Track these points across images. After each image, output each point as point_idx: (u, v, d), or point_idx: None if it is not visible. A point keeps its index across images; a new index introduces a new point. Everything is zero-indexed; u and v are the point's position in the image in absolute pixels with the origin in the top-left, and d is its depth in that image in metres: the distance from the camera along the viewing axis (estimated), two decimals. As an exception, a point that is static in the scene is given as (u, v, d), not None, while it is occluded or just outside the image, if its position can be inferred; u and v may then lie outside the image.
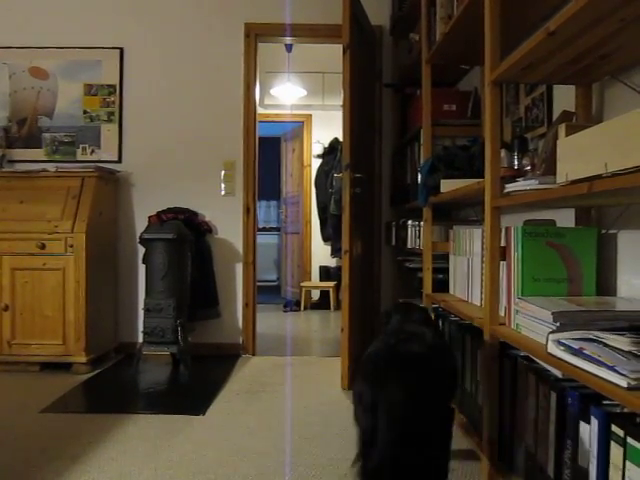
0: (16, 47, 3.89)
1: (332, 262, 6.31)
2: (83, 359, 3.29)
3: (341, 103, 3.11)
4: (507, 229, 1.74)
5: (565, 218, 1.88)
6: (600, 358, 1.13)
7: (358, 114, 3.24)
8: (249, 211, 3.90)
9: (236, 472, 1.97)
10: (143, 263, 3.51)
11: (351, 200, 3.04)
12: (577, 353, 1.21)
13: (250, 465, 2.03)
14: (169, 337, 3.28)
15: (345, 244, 3.05)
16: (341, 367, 3.03)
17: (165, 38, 3.91)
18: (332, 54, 4.14)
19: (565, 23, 1.28)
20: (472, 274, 2.25)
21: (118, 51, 3.89)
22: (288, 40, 4.17)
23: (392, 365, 1.34)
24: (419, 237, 2.92)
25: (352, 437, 2.28)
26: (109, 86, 3.91)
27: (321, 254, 6.42)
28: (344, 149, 3.07)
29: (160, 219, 3.63)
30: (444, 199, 2.42)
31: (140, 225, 3.81)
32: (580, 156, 1.25)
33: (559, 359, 1.28)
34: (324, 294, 6.16)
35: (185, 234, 3.46)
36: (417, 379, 1.32)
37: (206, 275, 3.80)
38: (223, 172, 3.91)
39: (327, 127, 6.31)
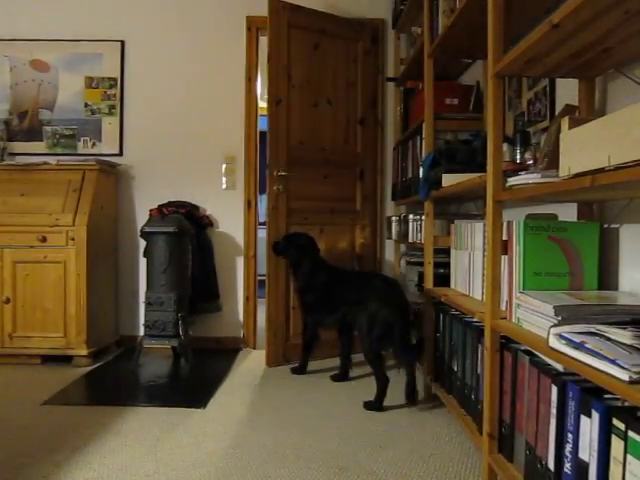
0: (17, 40, 3.88)
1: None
2: (84, 352, 3.29)
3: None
4: (509, 223, 1.73)
5: (567, 212, 1.88)
6: (602, 352, 1.13)
7: (314, 112, 3.59)
8: (250, 205, 3.89)
9: (236, 465, 1.98)
10: (144, 256, 3.51)
11: (274, 197, 3.44)
12: (579, 347, 1.21)
13: (250, 458, 2.04)
14: (170, 330, 3.28)
15: (270, 237, 3.39)
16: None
17: (166, 31, 3.89)
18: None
19: (569, 15, 1.27)
20: (473, 268, 2.25)
21: (119, 44, 3.88)
22: (290, 33, 4.16)
23: (391, 291, 2.76)
24: (420, 231, 2.92)
25: (352, 430, 2.30)
26: (110, 79, 3.90)
27: (322, 248, 6.41)
28: (268, 149, 3.42)
29: (161, 212, 3.62)
30: (445, 193, 2.42)
31: (141, 218, 3.81)
32: (583, 149, 1.24)
33: (560, 353, 1.28)
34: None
35: (186, 227, 3.46)
36: (403, 298, 2.75)
37: (207, 269, 3.80)
38: (224, 166, 3.91)
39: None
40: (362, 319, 2.69)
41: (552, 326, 1.33)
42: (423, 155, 2.78)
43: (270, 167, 3.41)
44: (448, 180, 2.32)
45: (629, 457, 1.08)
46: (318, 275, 3.06)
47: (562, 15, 1.28)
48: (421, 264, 2.97)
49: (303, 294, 3.13)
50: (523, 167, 1.82)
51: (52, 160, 3.57)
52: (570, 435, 1.30)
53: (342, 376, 3.10)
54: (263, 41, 3.96)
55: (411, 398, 2.64)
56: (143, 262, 3.60)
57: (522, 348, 1.64)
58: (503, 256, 1.77)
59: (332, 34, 3.65)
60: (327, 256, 3.49)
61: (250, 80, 3.87)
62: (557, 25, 1.32)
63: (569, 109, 1.78)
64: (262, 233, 3.58)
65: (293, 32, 3.52)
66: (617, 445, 1.12)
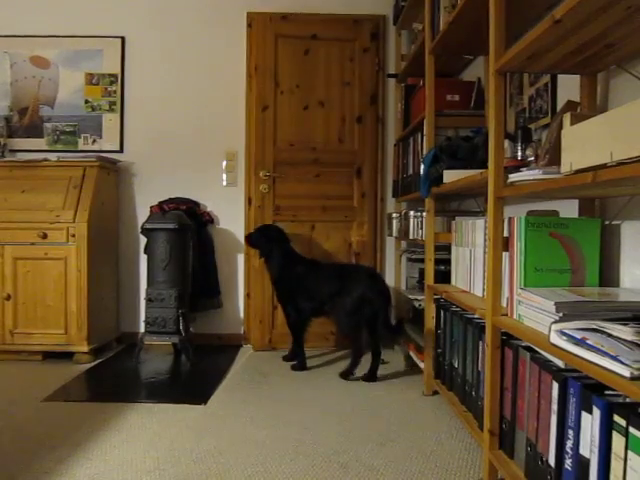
0: (17, 36, 3.87)
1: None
2: (85, 348, 3.30)
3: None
4: (510, 219, 1.73)
5: (568, 209, 1.88)
6: (603, 348, 1.13)
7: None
8: (251, 202, 3.89)
9: (237, 461, 1.98)
10: (145, 253, 3.51)
11: (260, 196, 3.75)
12: (580, 343, 1.21)
13: (251, 454, 2.04)
14: (171, 327, 3.29)
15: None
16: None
17: (167, 27, 3.88)
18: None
19: (571, 11, 1.26)
20: (474, 265, 2.25)
21: (119, 40, 3.88)
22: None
23: (374, 279, 3.10)
24: (421, 228, 2.92)
25: (353, 427, 2.30)
26: (110, 75, 3.89)
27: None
28: (253, 152, 3.73)
29: (162, 209, 3.62)
30: (447, 190, 2.41)
31: (142, 215, 3.81)
32: (585, 145, 1.24)
33: (562, 349, 1.28)
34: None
35: (187, 224, 3.46)
36: (384, 285, 3.10)
37: (208, 265, 3.80)
38: (225, 162, 3.90)
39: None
40: (347, 302, 2.97)
41: (553, 322, 1.33)
42: (424, 152, 2.78)
43: (255, 169, 3.73)
44: (449, 176, 2.32)
45: (630, 453, 1.08)
46: (290, 266, 3.24)
47: (564, 10, 1.28)
48: (422, 261, 2.97)
49: (278, 284, 3.33)
50: (524, 164, 1.82)
51: (53, 157, 3.56)
52: (571, 431, 1.30)
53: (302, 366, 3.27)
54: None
55: (373, 379, 2.97)
56: (144, 259, 3.61)
57: (523, 344, 1.64)
58: (504, 253, 1.77)
59: (324, 38, 3.81)
60: (320, 252, 3.75)
61: (251, 76, 3.86)
62: (559, 20, 1.32)
63: (571, 105, 1.77)
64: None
65: (281, 41, 3.77)
66: (618, 441, 1.12)
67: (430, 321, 2.69)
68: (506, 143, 1.92)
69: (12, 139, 3.88)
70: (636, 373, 1.03)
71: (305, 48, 3.78)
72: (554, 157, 1.51)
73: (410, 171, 3.32)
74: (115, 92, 3.89)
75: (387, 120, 3.94)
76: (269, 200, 3.79)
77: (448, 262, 2.63)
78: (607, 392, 1.20)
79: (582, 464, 1.25)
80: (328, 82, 3.83)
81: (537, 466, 1.49)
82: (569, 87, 1.92)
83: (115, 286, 3.83)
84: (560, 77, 2.08)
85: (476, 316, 2.05)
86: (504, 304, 1.78)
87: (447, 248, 2.65)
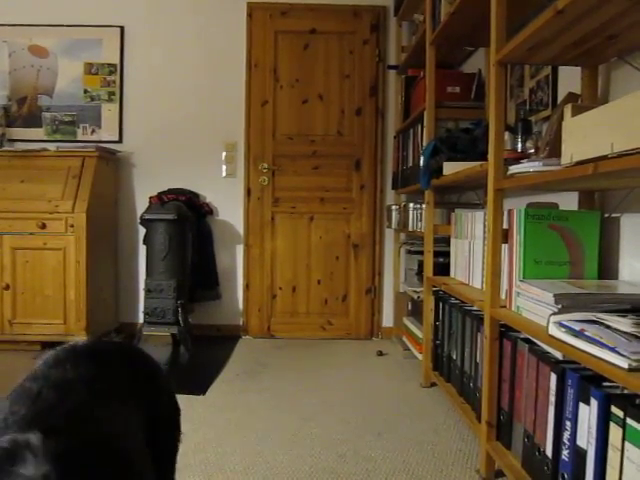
0: (16, 25, 3.85)
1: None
2: (84, 339, 3.30)
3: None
4: (510, 211, 1.73)
5: (568, 201, 1.88)
6: (601, 340, 1.13)
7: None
8: (250, 193, 3.88)
9: (235, 451, 1.99)
10: (144, 244, 3.50)
11: (259, 188, 3.83)
12: (578, 335, 1.22)
13: (249, 444, 2.05)
14: (170, 318, 3.29)
15: (253, 225, 3.81)
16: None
17: (166, 17, 3.86)
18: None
19: (574, 1, 1.26)
20: (473, 257, 2.25)
21: (119, 30, 3.85)
22: (291, 20, 4.17)
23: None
24: (420, 220, 2.92)
25: (350, 417, 2.31)
26: (110, 65, 3.87)
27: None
28: (251, 145, 3.82)
29: (161, 200, 3.61)
30: (446, 182, 2.41)
31: (141, 206, 3.80)
32: (586, 137, 1.24)
33: (560, 341, 1.28)
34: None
35: (186, 215, 3.46)
36: None
37: (207, 256, 3.80)
38: (224, 153, 3.89)
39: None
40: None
41: (552, 314, 1.34)
42: (424, 143, 2.77)
43: (255, 162, 3.81)
44: (449, 168, 2.32)
45: (627, 444, 1.09)
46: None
47: (567, 0, 1.27)
48: (421, 253, 2.97)
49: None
50: (524, 156, 1.82)
51: (51, 147, 3.55)
52: (568, 423, 1.31)
53: None
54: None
55: None
56: (143, 249, 3.60)
57: (521, 336, 1.64)
58: (503, 245, 1.77)
59: (324, 31, 3.83)
60: (319, 244, 3.83)
61: (251, 67, 3.84)
62: (562, 11, 1.31)
63: (572, 97, 1.77)
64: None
65: (281, 37, 3.81)
66: (615, 432, 1.13)
67: (429, 313, 2.69)
68: (506, 135, 1.92)
69: (10, 129, 3.86)
70: (634, 364, 1.03)
71: (304, 43, 3.81)
72: (554, 149, 1.51)
73: (410, 163, 3.31)
74: (114, 82, 3.87)
75: (387, 112, 3.92)
76: (268, 192, 3.83)
77: (447, 254, 2.63)
78: (605, 384, 1.20)
79: (579, 455, 1.26)
80: (327, 75, 3.85)
81: (534, 457, 1.50)
82: (570, 79, 1.92)
83: (114, 276, 3.83)
84: (561, 69, 2.07)
85: (475, 308, 2.05)
86: (503, 296, 1.78)
87: (446, 240, 2.65)
